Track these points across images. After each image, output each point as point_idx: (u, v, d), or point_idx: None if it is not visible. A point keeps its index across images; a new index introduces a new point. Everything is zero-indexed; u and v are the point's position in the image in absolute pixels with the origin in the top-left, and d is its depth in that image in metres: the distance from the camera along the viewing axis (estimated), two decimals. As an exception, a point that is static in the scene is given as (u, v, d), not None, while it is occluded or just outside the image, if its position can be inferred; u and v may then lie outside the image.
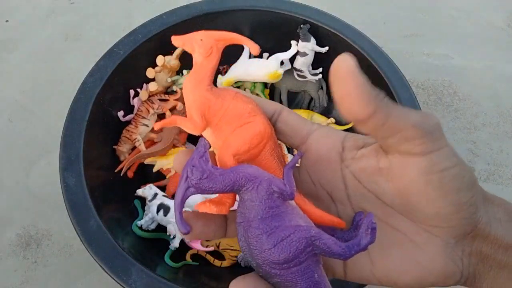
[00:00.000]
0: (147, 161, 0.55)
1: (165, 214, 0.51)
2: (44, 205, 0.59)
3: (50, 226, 0.58)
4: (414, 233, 0.23)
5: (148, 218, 0.51)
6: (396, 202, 0.23)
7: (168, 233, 0.51)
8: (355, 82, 0.20)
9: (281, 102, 0.64)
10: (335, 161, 0.25)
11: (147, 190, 0.52)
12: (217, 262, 0.52)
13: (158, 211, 0.51)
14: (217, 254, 0.53)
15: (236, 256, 0.52)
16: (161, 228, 0.53)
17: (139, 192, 0.52)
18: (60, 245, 0.56)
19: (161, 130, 0.57)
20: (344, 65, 0.20)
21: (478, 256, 0.22)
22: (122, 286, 0.41)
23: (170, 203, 0.52)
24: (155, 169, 0.55)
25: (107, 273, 0.42)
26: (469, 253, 0.22)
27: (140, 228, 0.52)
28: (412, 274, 0.23)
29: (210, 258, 0.52)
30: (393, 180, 0.22)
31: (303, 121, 0.26)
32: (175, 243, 0.51)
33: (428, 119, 0.20)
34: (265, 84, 0.64)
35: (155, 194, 0.52)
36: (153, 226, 0.52)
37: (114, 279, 0.41)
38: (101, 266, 0.42)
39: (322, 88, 0.62)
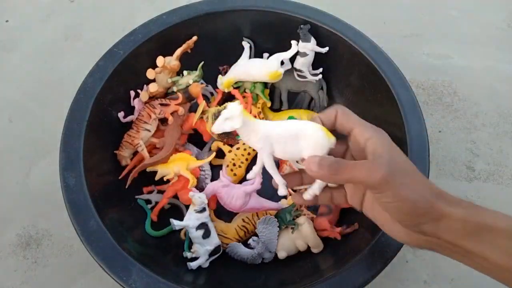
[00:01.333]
0: (149, 169, 0.55)
1: (204, 237, 0.49)
2: (44, 205, 0.59)
3: (50, 226, 0.58)
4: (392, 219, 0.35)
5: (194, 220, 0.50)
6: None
7: (192, 250, 0.50)
8: (315, 172, 0.33)
9: (281, 102, 0.64)
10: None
11: (197, 198, 0.50)
12: None
13: (198, 228, 0.49)
14: None
15: (227, 244, 0.52)
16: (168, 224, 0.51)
17: (190, 194, 0.50)
18: (60, 245, 0.56)
19: (161, 134, 0.57)
20: (307, 162, 0.34)
21: (433, 244, 0.33)
22: (122, 286, 0.41)
23: (212, 226, 0.50)
24: (157, 178, 0.55)
25: (107, 273, 0.42)
26: (424, 239, 0.33)
27: (152, 228, 0.52)
28: (392, 233, 0.36)
29: None
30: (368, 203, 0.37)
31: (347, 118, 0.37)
32: (195, 264, 0.49)
33: (371, 175, 0.31)
34: (265, 84, 0.64)
35: (204, 209, 0.50)
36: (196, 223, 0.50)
37: (114, 279, 0.42)
38: (101, 266, 0.42)
39: (322, 88, 0.62)
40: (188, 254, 0.50)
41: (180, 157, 0.55)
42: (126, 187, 0.54)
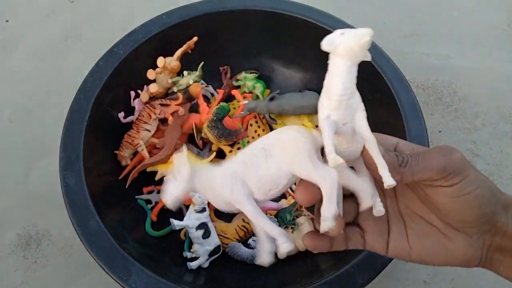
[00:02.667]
0: (149, 169, 0.55)
1: (204, 237, 0.49)
2: (44, 205, 0.59)
3: (50, 226, 0.58)
4: (444, 228, 0.29)
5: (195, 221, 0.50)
6: (430, 207, 0.30)
7: (192, 250, 0.50)
8: (378, 165, 0.26)
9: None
10: None
11: (198, 198, 0.50)
12: None
13: (198, 228, 0.49)
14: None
15: (227, 244, 0.52)
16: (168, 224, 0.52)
17: (191, 194, 0.50)
18: (60, 245, 0.56)
19: (162, 134, 0.57)
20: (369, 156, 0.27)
21: (497, 247, 0.28)
22: (122, 286, 0.41)
23: (212, 226, 0.51)
24: (157, 178, 0.55)
25: (107, 273, 0.42)
26: (489, 244, 0.28)
27: (153, 228, 0.52)
28: (440, 257, 0.30)
29: None
30: (426, 199, 0.29)
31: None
32: (195, 264, 0.49)
33: (450, 158, 0.26)
34: (265, 85, 0.64)
35: (204, 209, 0.50)
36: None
37: (114, 279, 0.42)
38: (101, 266, 0.42)
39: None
40: (188, 254, 0.50)
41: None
42: (126, 187, 0.54)
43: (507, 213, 0.28)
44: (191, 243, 0.51)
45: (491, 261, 0.29)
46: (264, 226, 0.27)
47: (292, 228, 0.52)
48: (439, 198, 0.28)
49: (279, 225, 0.52)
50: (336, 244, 0.31)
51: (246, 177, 0.26)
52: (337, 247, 0.31)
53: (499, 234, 0.28)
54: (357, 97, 0.26)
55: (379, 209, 0.28)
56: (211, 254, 0.50)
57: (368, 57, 0.26)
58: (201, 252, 0.49)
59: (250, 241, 0.53)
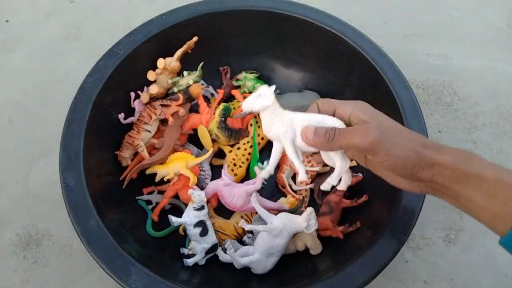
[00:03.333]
0: (148, 171, 0.55)
1: (202, 234, 0.49)
2: (44, 205, 0.59)
3: (50, 226, 0.58)
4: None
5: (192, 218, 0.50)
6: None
7: (189, 247, 0.51)
8: (311, 140, 0.36)
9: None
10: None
11: (197, 196, 0.50)
12: None
13: (196, 226, 0.49)
14: None
15: (224, 240, 0.52)
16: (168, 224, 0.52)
17: (189, 192, 0.51)
18: (60, 245, 0.56)
19: (161, 135, 0.57)
20: (302, 131, 0.37)
21: (430, 188, 0.36)
22: (122, 286, 0.41)
23: (210, 225, 0.51)
24: (157, 179, 0.55)
25: (107, 273, 0.42)
26: (424, 185, 0.36)
27: (153, 228, 0.52)
28: (388, 180, 0.39)
29: None
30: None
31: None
32: (191, 261, 0.49)
33: (364, 139, 0.34)
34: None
35: (202, 206, 0.51)
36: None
37: (114, 279, 0.42)
38: (101, 266, 0.42)
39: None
40: (185, 251, 0.50)
41: (178, 156, 0.55)
42: (124, 187, 0.53)
43: (430, 171, 0.34)
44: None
45: (435, 195, 0.37)
46: (294, 161, 0.37)
47: None
48: (370, 161, 0.39)
49: None
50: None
51: (298, 129, 0.37)
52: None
53: (429, 182, 0.35)
54: (277, 124, 0.37)
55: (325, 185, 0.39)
56: (208, 252, 0.50)
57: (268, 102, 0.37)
58: (198, 249, 0.49)
59: (245, 238, 0.53)
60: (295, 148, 0.37)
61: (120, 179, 0.54)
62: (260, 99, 0.37)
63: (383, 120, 0.37)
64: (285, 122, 0.37)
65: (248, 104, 0.37)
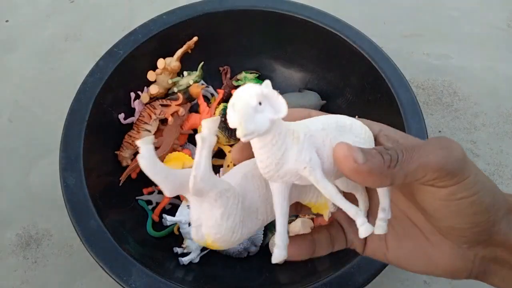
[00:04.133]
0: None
1: None
2: (44, 205, 0.59)
3: (50, 226, 0.57)
4: (429, 232, 0.25)
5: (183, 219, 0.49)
6: (418, 207, 0.25)
7: (183, 246, 0.51)
8: (359, 167, 0.20)
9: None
10: None
11: None
12: None
13: (190, 224, 0.49)
14: None
15: None
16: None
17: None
18: (60, 245, 0.56)
19: (161, 134, 0.57)
20: (339, 155, 0.21)
21: (493, 258, 0.24)
22: (122, 286, 0.41)
23: None
24: None
25: (107, 273, 0.42)
26: (482, 256, 0.24)
27: (153, 228, 0.52)
28: (420, 265, 0.25)
29: None
30: (412, 198, 0.24)
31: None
32: (186, 259, 0.49)
33: (450, 154, 0.21)
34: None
35: None
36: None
37: (114, 279, 0.42)
38: (101, 266, 0.42)
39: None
40: (178, 250, 0.50)
41: (175, 157, 0.55)
42: (120, 184, 0.53)
43: (509, 221, 0.23)
44: None
45: (485, 273, 0.24)
46: (341, 203, 0.22)
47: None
48: (428, 198, 0.23)
49: (269, 228, 0.53)
50: (321, 248, 0.27)
51: (321, 148, 0.22)
52: (322, 252, 0.28)
53: (497, 245, 0.23)
54: (291, 161, 0.21)
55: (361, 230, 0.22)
56: (202, 249, 0.50)
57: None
58: (193, 247, 0.49)
59: None
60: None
61: (120, 178, 0.54)
62: (268, 110, 0.20)
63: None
64: (301, 141, 0.21)
65: (246, 125, 0.19)
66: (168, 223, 0.49)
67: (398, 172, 0.21)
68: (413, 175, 0.21)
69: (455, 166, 0.21)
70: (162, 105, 0.56)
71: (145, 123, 0.55)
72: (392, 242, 0.26)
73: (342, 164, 0.21)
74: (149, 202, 0.56)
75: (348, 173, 0.21)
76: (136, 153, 0.56)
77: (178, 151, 0.57)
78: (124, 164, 0.55)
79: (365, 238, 0.27)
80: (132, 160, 0.56)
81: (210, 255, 0.52)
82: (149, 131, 0.56)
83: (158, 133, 0.57)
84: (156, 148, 0.57)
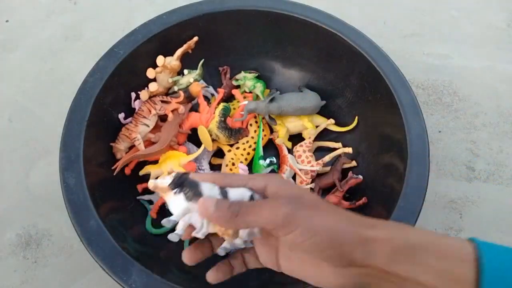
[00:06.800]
0: (142, 172, 0.55)
1: None
2: (44, 205, 0.59)
3: (50, 226, 0.58)
4: (314, 262, 0.31)
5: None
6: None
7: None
8: (213, 213, 0.30)
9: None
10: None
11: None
12: None
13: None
14: None
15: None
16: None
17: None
18: (60, 245, 0.56)
19: (159, 130, 0.57)
20: (201, 203, 0.31)
21: (366, 275, 0.29)
22: (122, 286, 0.41)
23: None
24: (151, 179, 0.55)
25: (107, 273, 0.42)
26: (358, 273, 0.29)
27: (153, 225, 0.52)
28: (312, 276, 0.32)
29: None
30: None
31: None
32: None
33: (275, 214, 0.29)
34: (265, 85, 0.64)
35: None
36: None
37: (114, 279, 0.42)
38: (101, 266, 0.42)
39: None
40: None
41: (170, 155, 0.55)
42: (114, 174, 0.53)
43: (364, 249, 0.28)
44: (191, 242, 0.52)
45: (369, 284, 0.30)
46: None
47: None
48: (285, 243, 0.31)
49: None
50: (237, 269, 0.37)
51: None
52: (238, 271, 0.37)
53: (364, 267, 0.29)
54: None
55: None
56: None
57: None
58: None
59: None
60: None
61: (112, 168, 0.53)
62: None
63: (299, 193, 0.31)
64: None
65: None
66: (169, 225, 0.48)
67: (238, 221, 0.30)
68: (252, 223, 0.30)
69: (277, 222, 0.29)
70: (163, 101, 0.57)
71: (144, 117, 0.55)
72: (284, 262, 0.33)
73: (200, 210, 0.31)
74: (150, 202, 0.56)
75: (205, 217, 0.31)
76: (131, 146, 0.56)
77: (175, 149, 0.57)
78: (119, 156, 0.55)
79: (278, 257, 0.34)
80: (126, 153, 0.56)
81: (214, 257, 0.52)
82: (147, 125, 0.55)
83: (156, 129, 0.57)
84: (153, 143, 0.57)
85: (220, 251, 0.34)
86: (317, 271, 0.31)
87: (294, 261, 0.32)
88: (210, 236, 0.35)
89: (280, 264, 0.34)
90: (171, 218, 0.33)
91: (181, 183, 0.32)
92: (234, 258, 0.37)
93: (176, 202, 0.33)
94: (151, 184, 0.34)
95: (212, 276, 0.35)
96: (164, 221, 0.33)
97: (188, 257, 0.35)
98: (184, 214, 0.33)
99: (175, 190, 0.32)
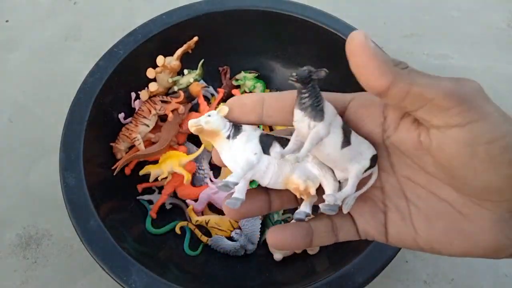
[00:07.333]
0: (142, 172, 0.55)
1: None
2: (44, 205, 0.59)
3: (50, 226, 0.58)
4: (462, 204, 0.21)
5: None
6: (441, 176, 0.21)
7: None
8: (368, 54, 0.19)
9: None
10: (376, 132, 0.23)
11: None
12: (203, 238, 0.53)
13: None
14: (204, 229, 0.54)
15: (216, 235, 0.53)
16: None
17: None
18: (60, 245, 0.56)
19: (159, 130, 0.57)
20: (356, 39, 0.19)
21: None
22: (122, 286, 0.41)
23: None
24: (151, 179, 0.55)
25: (107, 273, 0.42)
26: None
27: (153, 225, 0.52)
28: (457, 245, 0.21)
29: (198, 232, 0.53)
30: (433, 154, 0.20)
31: (340, 94, 0.25)
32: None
33: (463, 84, 0.18)
34: (265, 85, 0.64)
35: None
36: None
37: (114, 279, 0.42)
38: (101, 266, 0.42)
39: None
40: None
41: (170, 155, 0.55)
42: (114, 174, 0.53)
43: None
44: (190, 241, 0.52)
45: None
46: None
47: None
48: (450, 149, 0.19)
49: (267, 225, 0.54)
50: (320, 237, 0.24)
51: None
52: (322, 241, 0.24)
53: None
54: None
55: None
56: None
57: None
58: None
59: (232, 233, 0.53)
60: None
61: (112, 168, 0.54)
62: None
63: None
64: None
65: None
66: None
67: (403, 74, 0.19)
68: (420, 88, 0.18)
69: (469, 95, 0.18)
70: (163, 101, 0.57)
71: (144, 117, 0.55)
72: (420, 224, 0.22)
73: (352, 42, 0.20)
74: (150, 202, 0.56)
75: (354, 51, 0.20)
76: (131, 146, 0.56)
77: (175, 148, 0.57)
78: (119, 156, 0.55)
79: (385, 226, 0.24)
80: (126, 153, 0.56)
81: (209, 255, 0.52)
82: (147, 125, 0.56)
83: (156, 129, 0.57)
84: (153, 143, 0.57)
85: (300, 215, 0.24)
86: (469, 230, 0.21)
87: (419, 220, 0.22)
88: (270, 191, 0.25)
89: (389, 233, 0.23)
90: (229, 179, 0.22)
91: (309, 80, 0.23)
92: (319, 219, 0.24)
93: (244, 146, 0.24)
94: (191, 124, 0.24)
95: (286, 237, 0.23)
96: (220, 185, 0.22)
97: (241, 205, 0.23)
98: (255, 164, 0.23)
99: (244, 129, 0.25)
